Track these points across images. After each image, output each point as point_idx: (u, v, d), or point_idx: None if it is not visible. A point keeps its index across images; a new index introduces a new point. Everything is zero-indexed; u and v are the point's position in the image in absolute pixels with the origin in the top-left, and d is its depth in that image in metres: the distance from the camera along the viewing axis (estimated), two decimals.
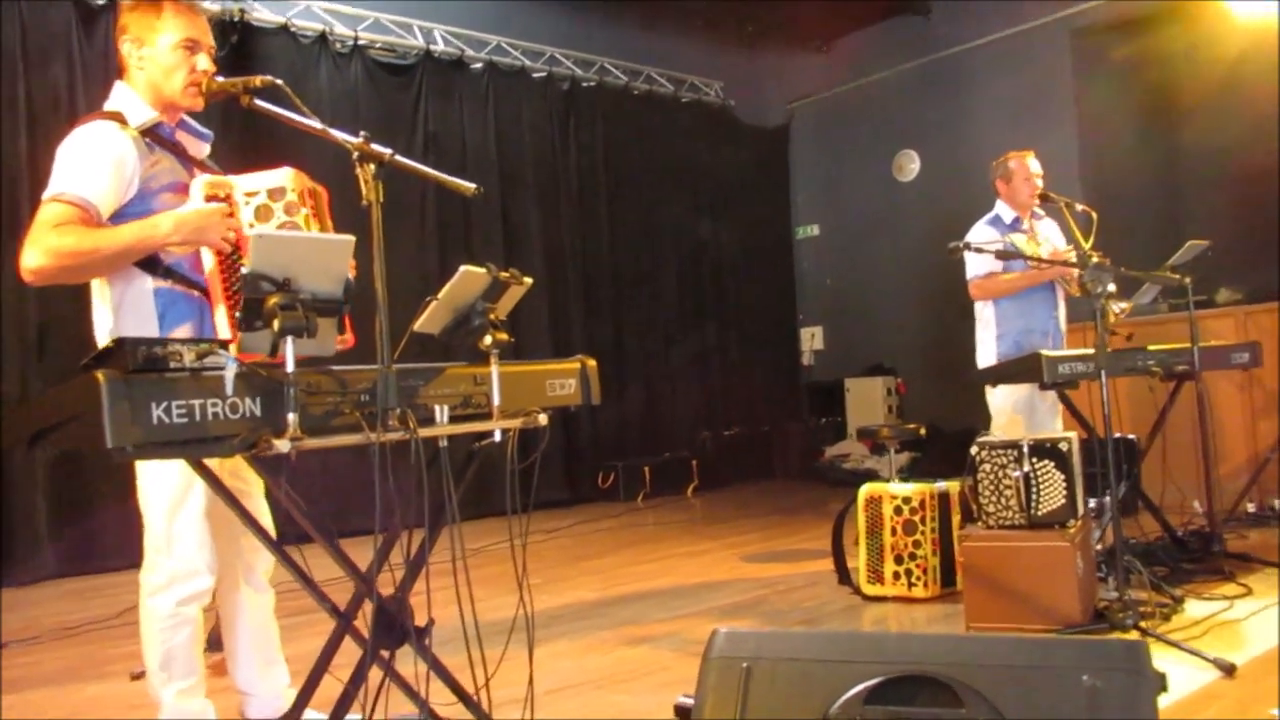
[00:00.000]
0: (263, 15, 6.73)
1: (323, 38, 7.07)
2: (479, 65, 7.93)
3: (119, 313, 2.43)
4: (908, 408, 8.70)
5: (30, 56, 5.82)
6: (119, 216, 2.38)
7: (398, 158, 2.15)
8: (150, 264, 2.40)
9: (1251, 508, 5.27)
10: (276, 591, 2.86)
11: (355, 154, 2.12)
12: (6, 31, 5.74)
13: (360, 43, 7.26)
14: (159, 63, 2.48)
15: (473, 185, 2.24)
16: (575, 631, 3.86)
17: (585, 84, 8.60)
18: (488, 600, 2.19)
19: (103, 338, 2.45)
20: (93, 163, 2.34)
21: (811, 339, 9.76)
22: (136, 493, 2.49)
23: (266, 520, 2.58)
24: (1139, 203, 7.08)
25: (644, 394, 8.53)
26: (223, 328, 2.31)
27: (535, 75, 8.27)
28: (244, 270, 1.96)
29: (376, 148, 2.13)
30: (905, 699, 1.65)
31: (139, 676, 3.56)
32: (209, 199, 2.36)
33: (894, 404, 8.70)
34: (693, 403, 8.97)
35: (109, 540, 5.64)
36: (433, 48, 7.67)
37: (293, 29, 6.91)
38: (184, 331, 2.41)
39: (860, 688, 1.66)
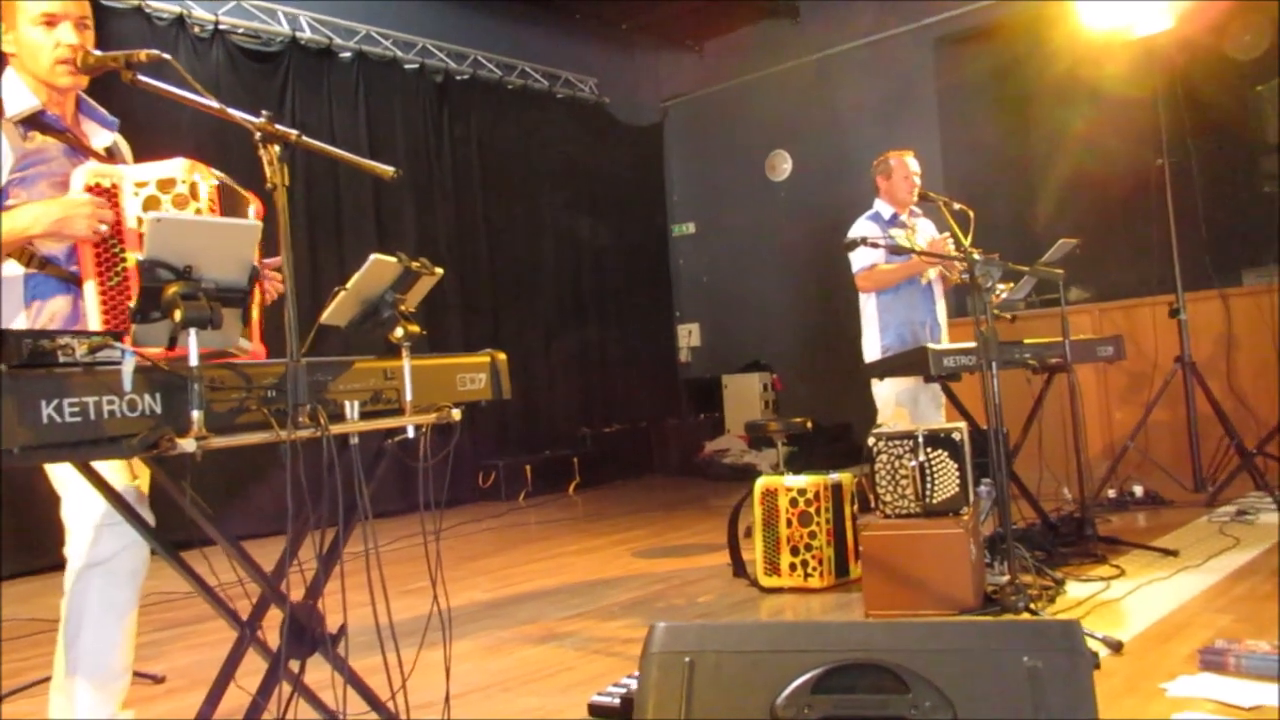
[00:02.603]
0: None
1: (180, 20, 6.70)
2: (348, 55, 7.68)
3: None
4: (784, 403, 8.87)
5: None
6: None
7: (304, 138, 2.03)
8: (19, 252, 2.23)
9: (1112, 493, 5.55)
10: (146, 602, 2.66)
11: (258, 134, 1.99)
12: None
13: (221, 27, 6.92)
14: (23, 44, 2.32)
15: (390, 168, 2.14)
16: (473, 633, 3.76)
17: (459, 77, 8.43)
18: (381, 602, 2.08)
19: None
20: None
21: (689, 336, 9.85)
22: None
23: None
24: (996, 203, 7.40)
25: (523, 392, 8.36)
26: (92, 304, 2.13)
27: (407, 67, 8.06)
28: (140, 257, 1.81)
29: (281, 128, 2.00)
30: (851, 687, 1.65)
31: (1, 700, 3.30)
32: (91, 190, 2.18)
33: (770, 399, 8.85)
34: (572, 400, 8.92)
35: None
36: (299, 35, 7.37)
37: (147, 10, 6.53)
38: (55, 306, 2.26)
39: (806, 677, 1.65)
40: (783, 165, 9.20)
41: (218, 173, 2.30)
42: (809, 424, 4.80)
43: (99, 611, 2.24)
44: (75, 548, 2.28)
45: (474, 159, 8.46)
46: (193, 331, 1.79)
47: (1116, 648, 2.96)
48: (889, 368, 4.39)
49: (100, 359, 1.72)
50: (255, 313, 2.15)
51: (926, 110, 8.05)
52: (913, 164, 4.90)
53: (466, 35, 8.47)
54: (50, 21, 2.30)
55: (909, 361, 4.15)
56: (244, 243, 1.93)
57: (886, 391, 4.68)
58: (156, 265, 1.81)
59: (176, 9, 6.68)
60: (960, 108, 7.94)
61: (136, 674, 3.32)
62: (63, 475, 2.25)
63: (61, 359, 1.68)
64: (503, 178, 8.62)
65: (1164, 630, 3.18)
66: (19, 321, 2.26)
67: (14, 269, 2.25)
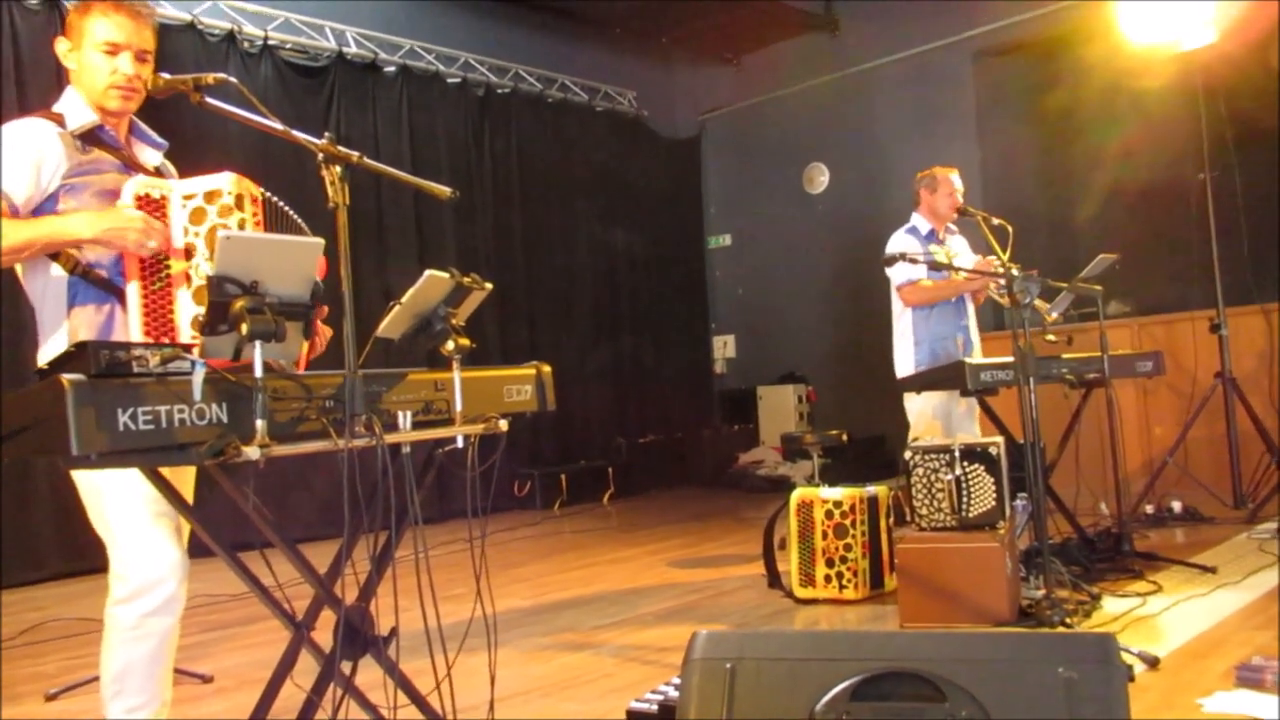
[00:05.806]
0: (168, 11, 6.50)
1: (231, 36, 6.87)
2: (392, 69, 7.82)
3: (41, 306, 2.38)
4: (818, 415, 8.89)
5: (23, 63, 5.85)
6: (36, 213, 2.32)
7: (365, 160, 2.12)
8: (63, 258, 2.32)
9: (1150, 509, 5.53)
10: (193, 604, 2.72)
11: (320, 155, 2.07)
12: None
13: (270, 43, 7.08)
14: (83, 65, 2.43)
15: (448, 189, 2.22)
16: (512, 640, 3.82)
17: (500, 90, 8.55)
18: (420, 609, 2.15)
19: (42, 338, 2.37)
20: (13, 158, 2.30)
21: (724, 347, 9.89)
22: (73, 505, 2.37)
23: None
24: (1035, 217, 7.39)
25: (559, 401, 8.42)
26: (134, 306, 2.22)
27: (450, 80, 8.20)
28: (209, 272, 1.91)
29: (342, 149, 2.09)
30: (889, 695, 1.70)
31: (54, 697, 3.41)
32: (140, 200, 2.27)
33: (805, 411, 8.88)
34: (607, 410, 8.99)
35: None
36: (345, 50, 7.52)
37: (199, 27, 6.71)
38: (88, 315, 2.33)
39: (845, 684, 1.70)
40: (820, 178, 9.23)
41: (263, 190, 2.39)
42: (845, 437, 4.84)
43: (134, 637, 2.26)
44: (119, 569, 2.28)
45: (514, 171, 8.58)
46: (258, 344, 1.88)
47: (1153, 663, 2.98)
48: (926, 382, 4.42)
49: (172, 369, 1.82)
50: (304, 348, 2.20)
51: (965, 124, 8.06)
52: (957, 181, 4.93)
53: (508, 49, 8.61)
54: (112, 50, 2.40)
55: (945, 376, 4.17)
56: (307, 259, 2.01)
57: (920, 405, 4.71)
58: (225, 280, 1.90)
59: (227, 25, 6.85)
60: (999, 121, 7.94)
61: (186, 673, 3.44)
62: (108, 492, 2.26)
63: (136, 369, 1.78)
64: (542, 189, 8.74)
65: (1201, 646, 3.18)
66: (62, 328, 2.33)
67: (59, 273, 2.33)
